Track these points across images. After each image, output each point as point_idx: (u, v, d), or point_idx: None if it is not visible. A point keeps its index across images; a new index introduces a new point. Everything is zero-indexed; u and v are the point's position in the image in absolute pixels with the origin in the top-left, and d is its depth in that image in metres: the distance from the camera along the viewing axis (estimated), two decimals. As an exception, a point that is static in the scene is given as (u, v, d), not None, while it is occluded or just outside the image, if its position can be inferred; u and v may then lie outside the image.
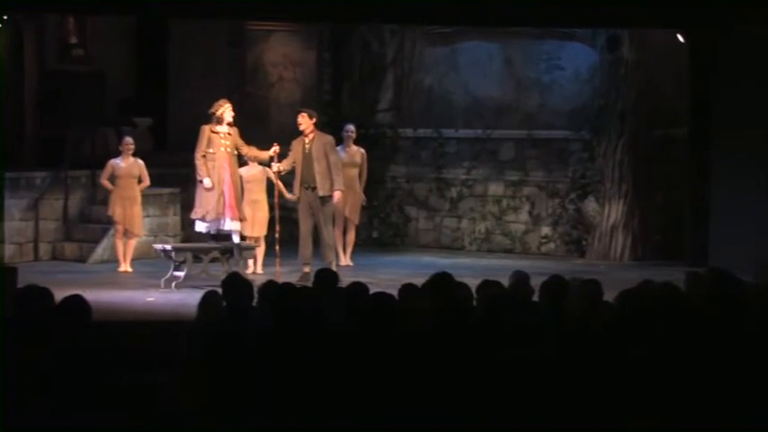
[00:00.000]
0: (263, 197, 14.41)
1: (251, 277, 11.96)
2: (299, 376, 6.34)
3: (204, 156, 13.63)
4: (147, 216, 15.71)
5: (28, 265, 14.94)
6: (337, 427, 6.21)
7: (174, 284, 13.32)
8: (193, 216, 13.87)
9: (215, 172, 13.58)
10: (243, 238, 14.00)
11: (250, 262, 14.29)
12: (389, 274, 13.95)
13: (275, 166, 13.83)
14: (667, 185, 16.45)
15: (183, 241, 15.62)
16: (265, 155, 13.87)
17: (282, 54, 18.64)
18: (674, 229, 15.94)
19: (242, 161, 14.14)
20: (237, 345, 6.74)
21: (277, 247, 13.79)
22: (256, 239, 14.37)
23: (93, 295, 7.73)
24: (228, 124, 13.70)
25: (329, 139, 14.04)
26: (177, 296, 12.78)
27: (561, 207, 17.17)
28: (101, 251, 15.63)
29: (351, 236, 15.61)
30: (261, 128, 17.08)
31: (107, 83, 17.88)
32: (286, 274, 13.43)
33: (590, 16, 13.86)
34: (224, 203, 13.61)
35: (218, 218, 13.64)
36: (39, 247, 15.85)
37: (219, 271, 13.12)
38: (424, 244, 17.97)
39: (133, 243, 15.03)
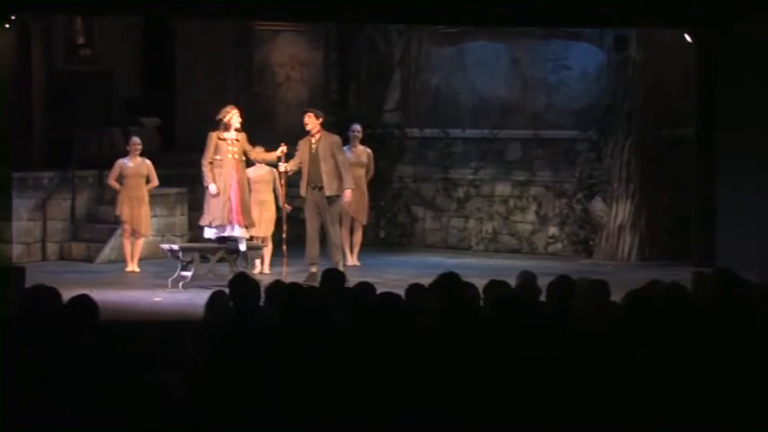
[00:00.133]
0: (270, 197, 14.42)
1: (258, 277, 11.96)
2: (305, 376, 6.35)
3: (211, 162, 13.62)
4: (155, 216, 15.72)
5: (35, 264, 14.95)
6: (344, 428, 6.21)
7: (181, 284, 13.34)
8: (201, 223, 13.88)
9: (221, 178, 13.57)
10: (250, 237, 14.00)
11: (257, 262, 14.30)
12: (396, 274, 13.95)
13: (282, 166, 13.84)
14: (674, 185, 16.43)
15: (190, 241, 15.62)
16: (273, 156, 13.88)
17: (289, 54, 18.66)
18: (681, 229, 15.94)
19: (249, 162, 14.14)
20: (244, 345, 6.74)
21: (284, 247, 13.79)
22: (263, 239, 14.38)
23: (100, 295, 7.74)
24: (236, 130, 13.68)
25: (336, 138, 14.04)
26: (184, 296, 12.79)
27: (568, 207, 17.15)
28: (108, 251, 15.65)
29: (358, 236, 15.62)
30: (268, 128, 17.11)
31: (114, 83, 17.89)
32: (293, 274, 13.43)
33: (596, 16, 13.88)
34: (230, 210, 13.58)
35: (225, 224, 13.62)
36: (46, 247, 15.87)
37: (226, 271, 13.13)
38: (431, 244, 17.96)
39: (140, 243, 15.05)
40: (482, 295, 7.73)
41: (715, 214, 14.95)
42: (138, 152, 15.02)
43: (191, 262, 13.53)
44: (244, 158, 13.79)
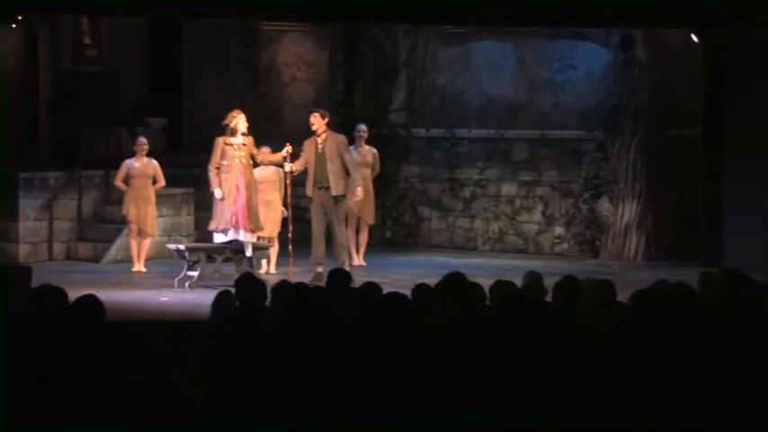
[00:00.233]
0: (276, 198, 14.41)
1: (264, 277, 11.98)
2: (311, 376, 6.35)
3: (218, 167, 13.62)
4: (161, 216, 15.73)
5: (42, 264, 14.95)
6: (350, 428, 6.21)
7: (187, 284, 13.34)
8: (209, 228, 13.89)
9: (227, 183, 13.56)
10: (257, 238, 13.99)
11: (263, 262, 14.31)
12: (402, 275, 13.94)
13: (288, 166, 13.83)
14: (681, 185, 16.42)
15: (196, 241, 15.64)
16: (278, 157, 13.87)
17: (296, 54, 18.66)
18: (687, 229, 15.93)
19: (255, 162, 14.14)
20: (250, 345, 6.74)
21: (290, 247, 13.79)
22: (269, 239, 14.38)
23: (106, 295, 7.76)
24: (243, 134, 13.67)
25: (342, 138, 14.04)
26: (190, 296, 12.79)
27: (575, 207, 17.14)
28: (115, 251, 15.67)
29: (364, 236, 15.61)
30: (274, 128, 17.12)
31: (121, 83, 17.91)
32: (299, 274, 13.43)
33: (602, 16, 13.85)
34: (236, 214, 13.55)
35: (232, 229, 13.60)
36: (53, 247, 15.88)
37: (233, 271, 13.14)
38: (437, 244, 17.96)
39: (147, 243, 15.05)
40: (488, 295, 7.73)
41: (722, 214, 14.95)
42: (145, 152, 15.01)
43: (197, 262, 13.54)
44: (251, 163, 13.78)
